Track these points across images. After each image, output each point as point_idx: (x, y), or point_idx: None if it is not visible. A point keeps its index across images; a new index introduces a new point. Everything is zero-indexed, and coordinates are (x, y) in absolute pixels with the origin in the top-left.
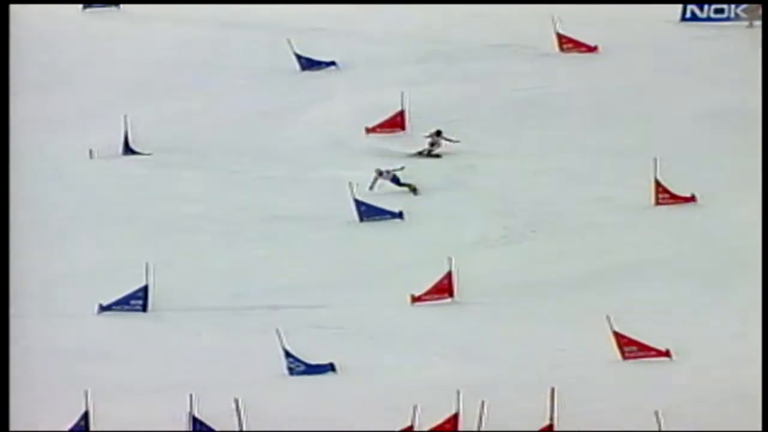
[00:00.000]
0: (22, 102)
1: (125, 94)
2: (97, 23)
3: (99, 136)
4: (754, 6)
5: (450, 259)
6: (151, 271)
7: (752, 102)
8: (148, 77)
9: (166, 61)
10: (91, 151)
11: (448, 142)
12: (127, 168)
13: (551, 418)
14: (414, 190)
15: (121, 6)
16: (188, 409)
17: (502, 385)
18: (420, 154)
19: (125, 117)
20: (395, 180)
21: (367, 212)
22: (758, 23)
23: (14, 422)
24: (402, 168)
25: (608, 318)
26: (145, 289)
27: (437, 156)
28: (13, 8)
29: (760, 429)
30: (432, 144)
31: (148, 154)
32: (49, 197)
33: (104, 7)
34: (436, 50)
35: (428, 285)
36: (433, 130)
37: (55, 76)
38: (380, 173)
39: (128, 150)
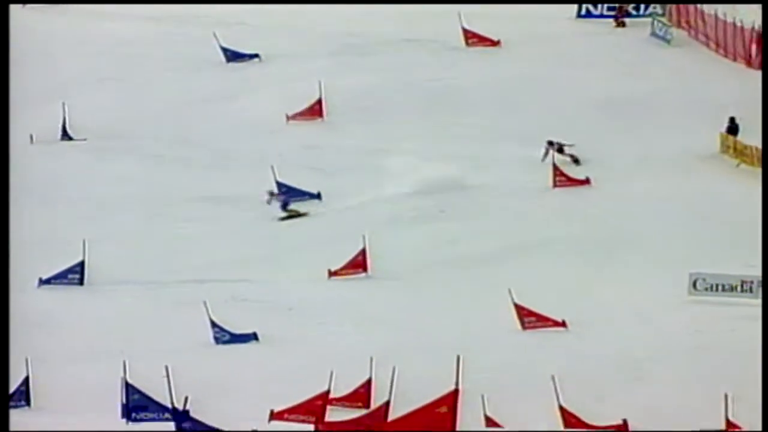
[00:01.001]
0: None
1: (63, 85)
2: (36, 18)
3: (39, 122)
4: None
5: (364, 237)
6: (87, 248)
7: (640, 91)
8: (84, 69)
9: (100, 54)
10: (31, 137)
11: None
12: (64, 152)
13: (457, 383)
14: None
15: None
16: (122, 375)
17: (412, 353)
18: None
19: (63, 105)
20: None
21: (288, 194)
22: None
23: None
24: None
25: (509, 291)
26: (81, 264)
27: (576, 161)
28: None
29: (760, 429)
30: (560, 150)
31: (84, 140)
32: None
33: (43, 4)
34: (351, 44)
35: (344, 261)
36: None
37: None
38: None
39: (66, 135)
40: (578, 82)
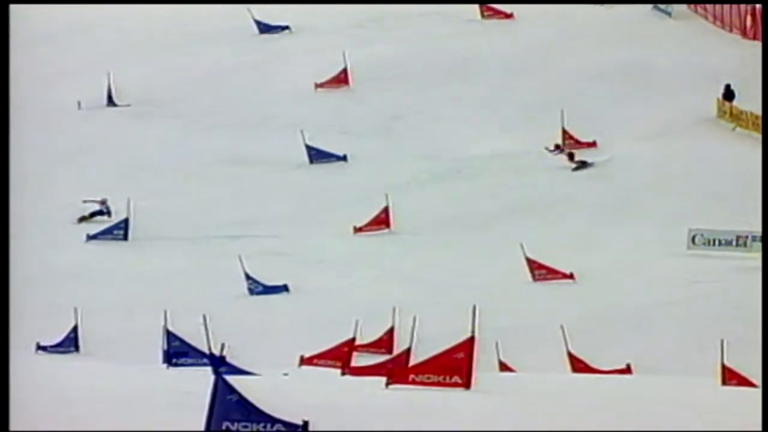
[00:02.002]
0: (21, 61)
1: (108, 56)
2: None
3: (86, 90)
4: None
5: (387, 196)
6: (131, 206)
7: (642, 60)
8: (127, 41)
9: (141, 28)
10: (79, 103)
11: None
12: (109, 117)
13: (473, 331)
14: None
15: None
16: (162, 323)
17: (431, 303)
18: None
19: (108, 74)
20: None
21: (316, 155)
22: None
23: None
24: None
25: (521, 246)
26: (126, 221)
27: (585, 164)
28: None
29: (760, 429)
30: (570, 156)
31: (128, 106)
32: (42, 143)
33: None
34: (374, 18)
35: (368, 218)
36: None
37: (50, 41)
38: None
39: (111, 102)
40: (585, 53)
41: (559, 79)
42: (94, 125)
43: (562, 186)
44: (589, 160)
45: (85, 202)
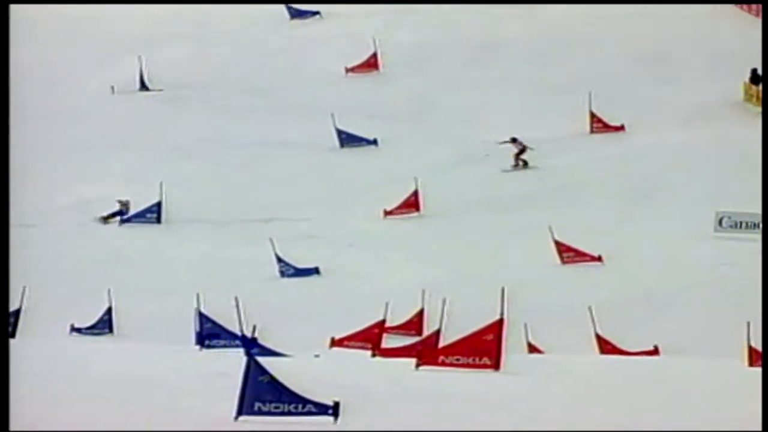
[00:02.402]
0: (53, 47)
1: (140, 41)
2: None
3: (119, 75)
4: None
5: (416, 179)
6: (163, 189)
7: (668, 45)
8: (159, 27)
9: (174, 14)
10: (112, 88)
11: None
12: (142, 102)
13: (502, 313)
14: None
15: None
16: (195, 305)
17: (461, 286)
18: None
19: (140, 58)
20: None
21: (347, 140)
22: None
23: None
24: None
25: (550, 228)
26: (159, 204)
27: (525, 164)
28: None
29: (760, 429)
30: (520, 152)
31: (160, 90)
32: (76, 128)
33: None
34: (402, 5)
35: (398, 201)
36: (508, 138)
37: (82, 26)
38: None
39: (143, 86)
40: (611, 37)
41: (586, 63)
42: (127, 109)
43: (590, 169)
44: (531, 164)
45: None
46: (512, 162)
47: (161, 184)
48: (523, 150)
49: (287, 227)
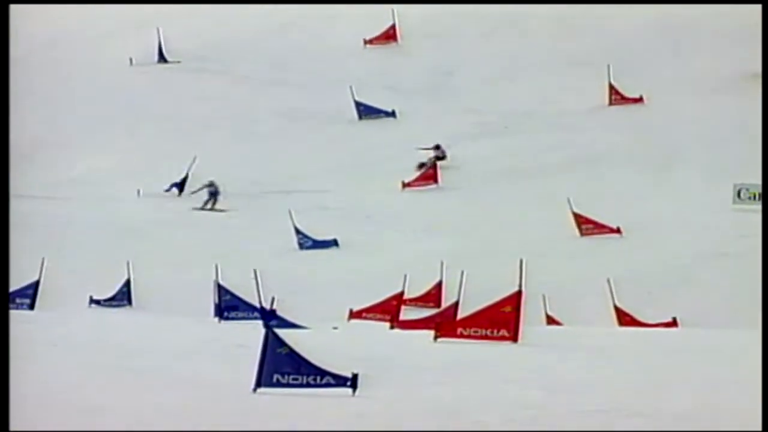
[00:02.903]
0: (72, 19)
1: (158, 13)
2: None
3: (137, 47)
4: None
5: None
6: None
7: (686, 18)
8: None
9: None
10: (131, 59)
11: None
12: (160, 74)
13: (520, 285)
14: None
15: None
16: (214, 278)
17: (479, 258)
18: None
19: (158, 30)
20: None
21: (365, 111)
22: None
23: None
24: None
25: (568, 200)
26: (185, 177)
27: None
28: None
29: (760, 429)
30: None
31: (178, 62)
32: (92, 99)
33: None
34: None
35: (416, 173)
36: (431, 145)
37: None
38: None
39: (162, 58)
40: (630, 10)
41: (604, 35)
42: (145, 81)
43: (609, 141)
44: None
45: (193, 192)
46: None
47: (194, 158)
48: (441, 158)
49: (306, 199)
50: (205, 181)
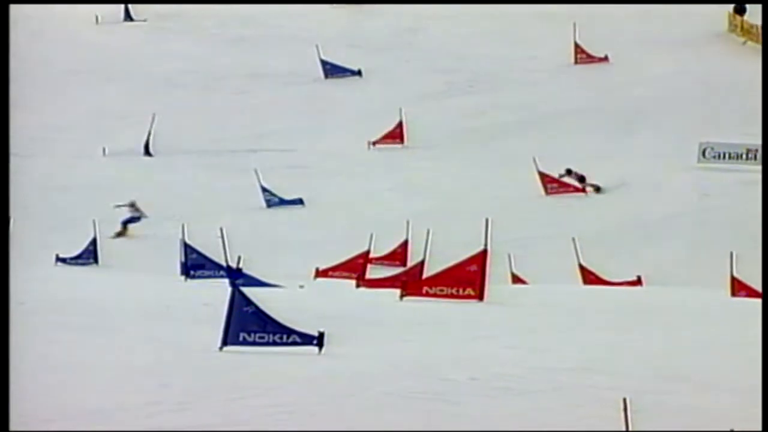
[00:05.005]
0: None
1: None
2: None
3: (102, 6)
4: None
5: (401, 110)
6: (154, 122)
7: None
8: None
9: None
10: (96, 18)
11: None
12: (126, 32)
13: (485, 244)
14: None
15: None
16: (180, 236)
17: (444, 216)
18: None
19: None
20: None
21: (331, 70)
22: None
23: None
24: None
25: (534, 159)
26: (148, 135)
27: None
28: None
29: (760, 429)
30: (581, 180)
31: (144, 20)
32: (57, 57)
33: None
34: None
35: (383, 132)
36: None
37: None
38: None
39: (128, 17)
40: None
41: None
42: (111, 40)
43: (574, 100)
44: (601, 185)
45: (117, 207)
46: None
47: (153, 116)
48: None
49: (272, 158)
50: (127, 201)
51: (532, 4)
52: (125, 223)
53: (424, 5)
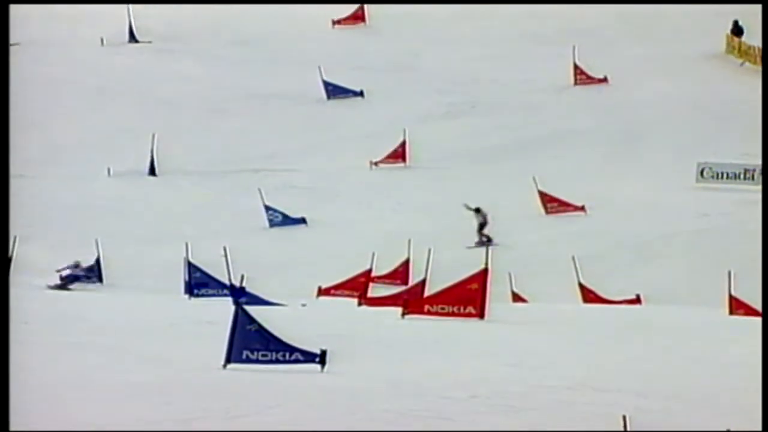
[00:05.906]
0: (43, 7)
1: None
2: None
3: (108, 27)
4: None
5: (404, 131)
6: (155, 142)
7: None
8: None
9: None
10: (102, 39)
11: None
12: (131, 53)
13: (486, 263)
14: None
15: None
16: (184, 255)
17: (446, 236)
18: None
19: (128, 10)
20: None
21: (334, 91)
22: None
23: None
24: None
25: (534, 179)
26: (152, 156)
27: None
28: None
29: (760, 429)
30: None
31: (149, 42)
32: (63, 78)
33: None
34: None
35: (385, 152)
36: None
37: None
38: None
39: (132, 38)
40: None
41: (569, 16)
42: (116, 61)
43: (574, 121)
44: (493, 240)
45: (58, 271)
46: None
47: (153, 136)
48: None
49: (275, 178)
50: (71, 262)
51: (531, 27)
52: (66, 278)
53: (425, 28)
